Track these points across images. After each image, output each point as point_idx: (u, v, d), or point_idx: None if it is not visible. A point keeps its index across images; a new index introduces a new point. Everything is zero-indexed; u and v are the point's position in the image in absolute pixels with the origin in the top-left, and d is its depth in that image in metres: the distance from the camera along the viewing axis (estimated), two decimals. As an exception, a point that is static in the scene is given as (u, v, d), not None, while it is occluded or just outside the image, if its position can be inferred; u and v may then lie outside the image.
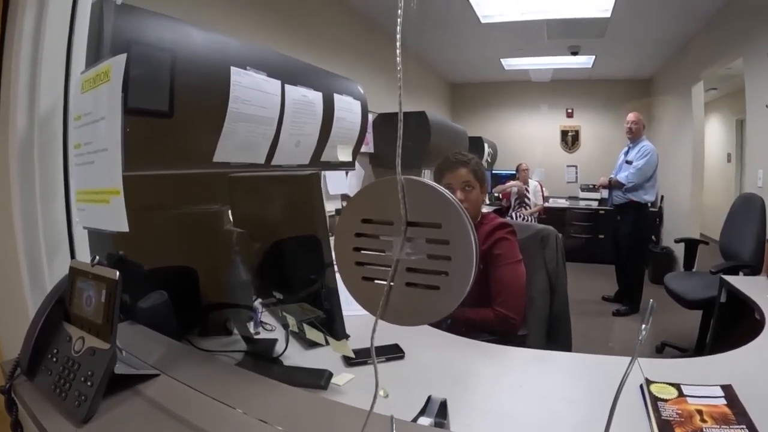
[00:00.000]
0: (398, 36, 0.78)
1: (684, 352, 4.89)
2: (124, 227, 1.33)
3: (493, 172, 10.21)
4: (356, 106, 2.60)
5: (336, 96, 2.41)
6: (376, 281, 0.85)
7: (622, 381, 0.90)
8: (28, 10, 1.66)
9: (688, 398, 1.49)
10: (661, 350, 5.06)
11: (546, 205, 9.27)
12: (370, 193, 0.88)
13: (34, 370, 1.42)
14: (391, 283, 0.82)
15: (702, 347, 4.50)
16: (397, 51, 0.77)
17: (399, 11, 0.72)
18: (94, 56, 1.70)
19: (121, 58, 1.34)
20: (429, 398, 1.32)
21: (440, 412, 1.27)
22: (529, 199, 8.73)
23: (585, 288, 7.31)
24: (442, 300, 0.80)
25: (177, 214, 2.10)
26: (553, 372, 1.79)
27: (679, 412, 1.41)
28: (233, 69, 1.89)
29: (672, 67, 8.56)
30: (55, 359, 1.38)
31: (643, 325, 0.95)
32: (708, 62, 6.73)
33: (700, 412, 1.41)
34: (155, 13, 1.79)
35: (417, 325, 0.86)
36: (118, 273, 1.29)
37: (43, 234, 1.69)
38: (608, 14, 6.07)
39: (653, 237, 8.70)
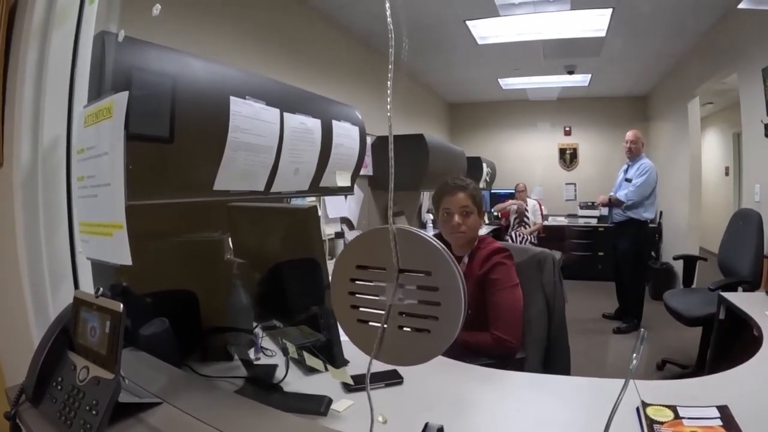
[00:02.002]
0: (389, 83, 0.80)
1: (685, 369, 4.87)
2: (127, 260, 1.35)
3: (492, 191, 10.22)
4: (354, 131, 2.62)
5: (334, 122, 2.43)
6: (370, 323, 0.88)
7: (613, 408, 0.92)
8: (31, 44, 1.69)
9: (684, 420, 1.49)
10: (662, 367, 5.04)
11: (545, 223, 9.26)
12: (365, 241, 0.91)
13: (39, 397, 1.44)
14: (385, 326, 0.86)
15: (703, 364, 4.47)
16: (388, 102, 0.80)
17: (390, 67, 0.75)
18: (97, 88, 1.72)
19: (123, 96, 1.37)
20: (426, 425, 1.33)
21: (437, 438, 1.29)
22: (528, 217, 8.72)
23: (585, 306, 7.29)
24: (432, 343, 0.84)
25: (178, 242, 2.11)
26: (551, 396, 1.79)
27: (675, 434, 1.41)
28: (233, 99, 1.91)
29: (667, 84, 8.61)
30: (59, 387, 1.40)
31: (634, 354, 0.97)
32: (703, 78, 6.76)
33: (695, 434, 1.41)
34: (156, 44, 1.82)
35: (409, 365, 0.89)
36: (122, 305, 1.31)
37: (47, 263, 1.71)
38: (603, 33, 6.12)
39: (653, 253, 8.69)
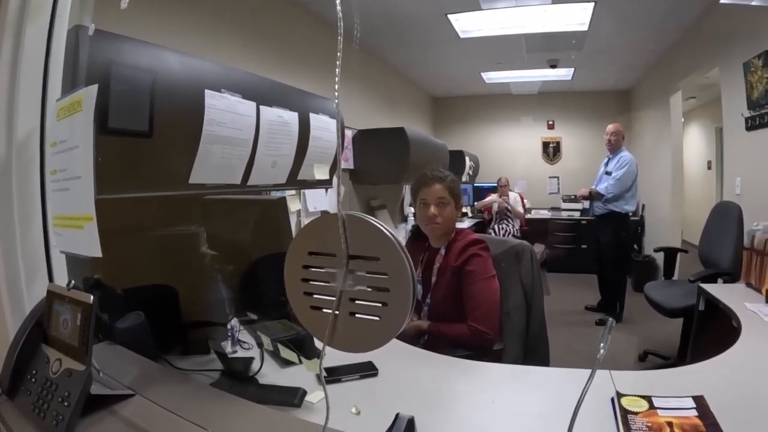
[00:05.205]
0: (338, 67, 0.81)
1: (666, 360, 4.91)
2: (97, 252, 1.35)
3: (475, 185, 10.25)
4: (332, 124, 2.60)
5: (312, 115, 2.42)
6: (323, 310, 0.88)
7: (580, 398, 0.92)
8: (5, 39, 1.68)
9: (658, 410, 1.49)
10: (643, 359, 5.09)
11: (528, 216, 9.28)
12: (316, 227, 0.92)
13: (15, 390, 1.44)
14: (336, 312, 0.86)
15: (684, 355, 4.51)
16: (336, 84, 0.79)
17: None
18: (71, 82, 1.71)
19: (93, 89, 1.37)
20: (397, 416, 1.33)
21: (408, 429, 1.29)
22: (510, 211, 8.72)
23: (568, 298, 7.34)
24: (382, 329, 0.84)
25: (155, 236, 2.11)
26: (527, 387, 1.79)
27: (649, 424, 1.42)
28: (207, 92, 1.89)
29: (650, 78, 8.65)
30: (34, 380, 1.41)
31: (601, 344, 0.98)
32: (685, 73, 6.81)
33: (670, 424, 1.42)
34: (132, 38, 1.81)
35: (361, 352, 0.89)
36: (92, 297, 1.32)
37: (21, 257, 1.70)
38: (585, 27, 6.13)
39: (635, 246, 8.74)
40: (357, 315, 0.86)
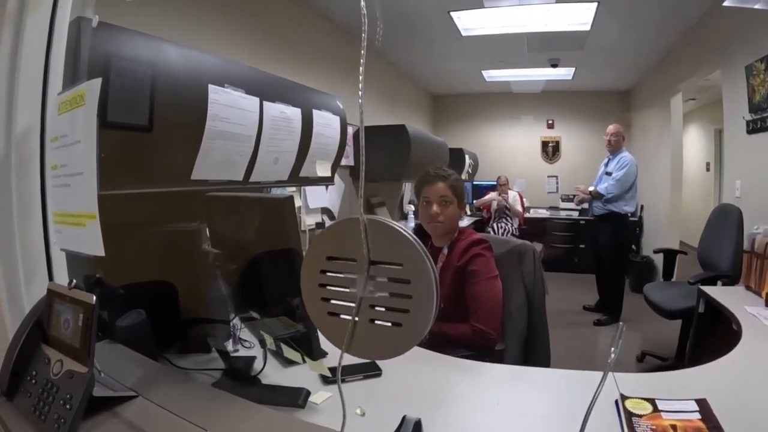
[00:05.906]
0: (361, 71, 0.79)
1: (664, 361, 4.92)
2: (100, 251, 1.32)
3: (474, 183, 10.23)
4: (335, 121, 2.59)
5: (315, 111, 2.40)
6: (341, 316, 0.86)
7: (591, 402, 0.91)
8: (5, 30, 1.65)
9: (662, 413, 1.50)
10: (641, 359, 5.10)
11: (527, 215, 9.27)
12: (335, 232, 0.89)
13: (14, 391, 1.41)
14: (356, 319, 0.84)
15: (682, 356, 4.52)
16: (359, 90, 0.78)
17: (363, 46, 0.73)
18: (72, 75, 1.69)
19: (96, 83, 1.34)
20: (404, 418, 1.32)
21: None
22: (509, 209, 8.70)
23: (566, 298, 7.34)
24: (404, 337, 0.82)
25: (156, 232, 2.09)
26: (530, 388, 1.79)
27: (654, 427, 1.42)
28: (211, 87, 1.88)
29: (651, 79, 8.65)
30: (34, 381, 1.38)
31: (612, 348, 0.96)
32: (686, 74, 6.81)
33: (674, 427, 1.42)
34: (133, 30, 1.79)
35: (381, 359, 0.87)
36: (94, 298, 1.29)
37: (20, 255, 1.66)
38: (587, 27, 6.13)
39: (633, 246, 8.75)
40: (377, 322, 0.84)
